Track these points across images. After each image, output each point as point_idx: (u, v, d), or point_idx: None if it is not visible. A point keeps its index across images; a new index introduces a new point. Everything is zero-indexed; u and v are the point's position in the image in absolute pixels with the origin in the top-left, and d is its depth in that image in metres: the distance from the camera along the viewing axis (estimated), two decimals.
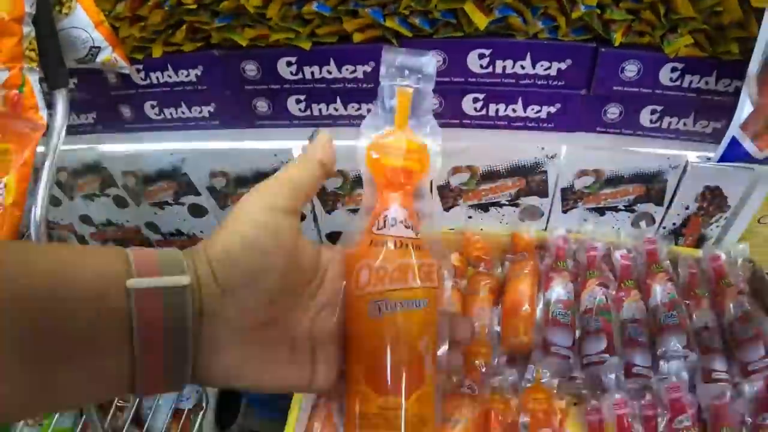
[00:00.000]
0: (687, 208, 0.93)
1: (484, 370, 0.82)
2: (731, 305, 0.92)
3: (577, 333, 0.87)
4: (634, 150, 0.85)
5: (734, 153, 0.74)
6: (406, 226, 0.42)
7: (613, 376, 0.81)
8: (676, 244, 0.99)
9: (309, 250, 0.40)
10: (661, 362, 0.84)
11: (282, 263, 0.35)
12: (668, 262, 0.97)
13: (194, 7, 0.75)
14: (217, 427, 1.09)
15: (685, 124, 0.83)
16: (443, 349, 0.42)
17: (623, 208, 0.94)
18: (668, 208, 0.93)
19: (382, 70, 0.44)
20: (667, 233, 0.97)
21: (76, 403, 0.33)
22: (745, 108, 0.72)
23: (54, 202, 1.07)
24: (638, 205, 0.93)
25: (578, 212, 0.94)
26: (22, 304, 0.26)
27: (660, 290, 0.92)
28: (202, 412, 1.02)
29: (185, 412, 1.03)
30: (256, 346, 0.36)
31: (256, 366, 0.36)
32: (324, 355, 0.40)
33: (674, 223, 0.96)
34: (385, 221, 0.42)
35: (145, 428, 0.98)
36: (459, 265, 0.94)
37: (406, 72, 0.44)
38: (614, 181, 0.90)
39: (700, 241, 1.00)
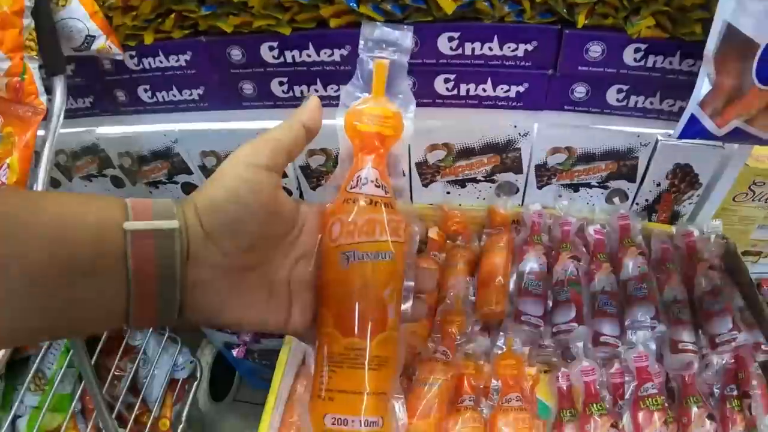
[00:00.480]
0: (659, 185, 0.99)
1: (458, 337, 0.89)
2: (702, 280, 0.99)
3: (549, 304, 0.94)
4: (604, 128, 0.91)
5: (693, 130, 0.80)
6: (377, 186, 0.47)
7: (581, 344, 0.88)
8: (650, 220, 1.05)
9: (288, 205, 0.44)
10: (629, 332, 0.91)
11: (262, 214, 0.40)
12: (641, 237, 1.04)
13: None
14: (211, 398, 1.17)
15: (651, 103, 0.88)
16: (410, 301, 0.49)
17: (596, 184, 1.00)
18: (640, 184, 0.99)
19: (361, 43, 0.49)
20: (640, 209, 1.03)
21: (77, 330, 0.39)
22: (703, 86, 0.78)
23: (54, 183, 1.16)
24: (611, 181, 0.99)
25: (553, 188, 1.00)
26: (33, 242, 0.32)
27: (631, 264, 0.98)
28: (196, 383, 1.10)
29: (180, 382, 1.12)
30: (236, 288, 0.41)
31: (236, 306, 0.41)
32: (299, 300, 0.46)
33: (647, 200, 1.01)
34: (358, 181, 0.47)
35: (141, 396, 1.06)
36: (437, 239, 1.01)
37: (384, 45, 0.49)
38: (586, 158, 0.96)
39: (673, 218, 1.06)
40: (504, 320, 0.90)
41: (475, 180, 1.00)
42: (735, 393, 0.88)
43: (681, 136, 0.80)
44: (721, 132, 0.81)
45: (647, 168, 0.97)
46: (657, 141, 0.93)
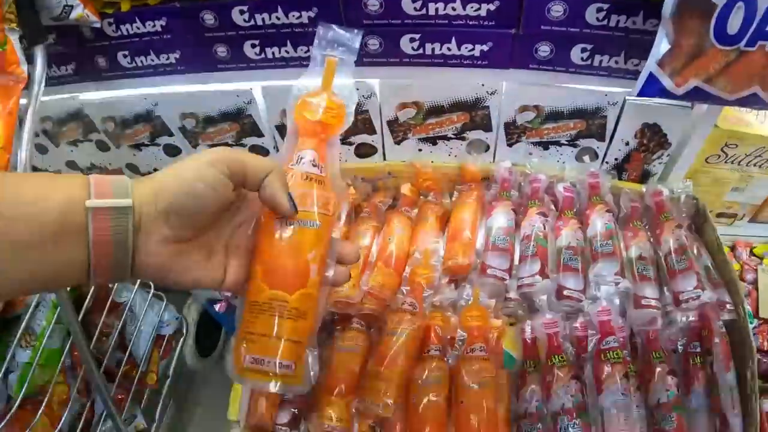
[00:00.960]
0: (627, 144, 1.03)
1: (426, 289, 0.95)
2: (668, 238, 1.03)
3: (516, 258, 0.99)
4: (570, 86, 0.95)
5: (652, 89, 0.83)
6: (313, 165, 0.56)
7: (545, 297, 0.94)
8: (620, 179, 1.10)
9: (236, 194, 0.51)
10: (593, 287, 0.96)
11: (211, 206, 0.48)
12: (611, 195, 1.08)
13: None
14: (198, 354, 1.25)
15: (617, 62, 0.92)
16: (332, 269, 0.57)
17: (566, 142, 1.04)
18: (609, 143, 1.03)
19: (315, 41, 0.58)
20: (610, 168, 1.08)
21: (48, 286, 0.46)
22: (661, 46, 0.81)
23: (41, 150, 1.22)
24: (580, 140, 1.03)
25: (523, 146, 1.05)
26: (16, 222, 0.40)
27: (598, 221, 1.03)
28: (182, 339, 1.17)
29: (166, 338, 1.19)
30: (178, 254, 0.48)
31: (178, 269, 0.49)
32: (235, 261, 0.54)
33: (616, 159, 1.06)
34: (298, 159, 0.56)
35: (128, 352, 1.14)
36: (410, 195, 1.07)
37: (335, 45, 0.58)
38: (555, 116, 1.00)
39: (644, 177, 1.10)
40: (470, 273, 0.96)
41: (445, 138, 1.04)
42: (698, 350, 0.95)
43: (640, 94, 0.84)
44: (680, 91, 0.85)
45: (616, 127, 1.01)
46: (624, 100, 0.97)
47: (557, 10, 0.85)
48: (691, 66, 0.83)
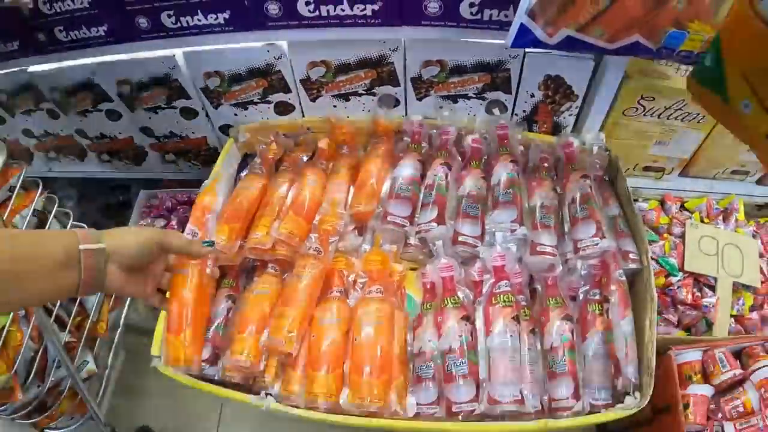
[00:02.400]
0: (533, 96, 1.15)
1: (331, 236, 1.09)
2: (573, 187, 1.15)
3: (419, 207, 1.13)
4: (467, 40, 1.07)
5: (525, 40, 0.94)
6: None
7: (440, 243, 1.07)
8: (531, 130, 1.21)
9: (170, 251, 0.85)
10: (489, 234, 1.09)
11: (153, 258, 0.82)
12: (521, 147, 1.20)
13: None
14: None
15: (506, 16, 1.03)
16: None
17: (474, 96, 1.16)
18: (516, 96, 1.15)
19: None
20: (520, 120, 1.19)
21: (53, 299, 0.93)
22: None
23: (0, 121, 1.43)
24: (487, 93, 1.16)
25: (432, 100, 1.18)
26: (39, 264, 0.68)
27: (502, 170, 1.15)
28: None
29: None
30: (127, 278, 0.78)
31: (129, 288, 0.80)
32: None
33: (524, 111, 1.18)
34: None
35: (77, 302, 1.33)
36: (327, 149, 1.22)
37: None
38: (459, 70, 1.12)
39: (557, 129, 1.21)
40: (371, 220, 1.10)
41: (357, 93, 1.18)
42: (597, 297, 1.08)
43: (513, 45, 0.95)
44: (553, 41, 0.96)
45: (519, 79, 1.13)
46: (525, 53, 1.09)
47: None
48: (563, 16, 0.93)
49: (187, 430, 1.64)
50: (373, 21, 1.05)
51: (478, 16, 1.03)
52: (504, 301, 1.01)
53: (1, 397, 1.22)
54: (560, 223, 1.12)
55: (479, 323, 1.02)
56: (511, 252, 1.06)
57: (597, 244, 1.06)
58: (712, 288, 1.32)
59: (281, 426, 1.58)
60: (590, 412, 0.98)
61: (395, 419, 0.95)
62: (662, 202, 1.45)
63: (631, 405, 0.96)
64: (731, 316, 1.33)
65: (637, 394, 0.97)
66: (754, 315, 1.34)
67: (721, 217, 1.44)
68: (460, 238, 1.07)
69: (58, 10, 1.15)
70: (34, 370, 1.24)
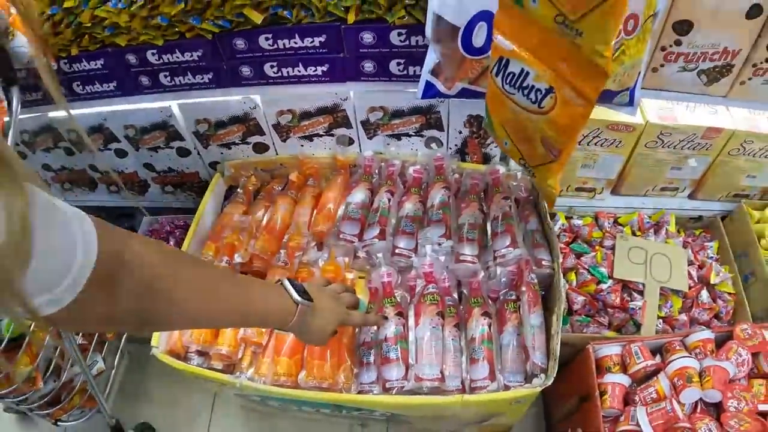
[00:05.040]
0: (461, 132, 1.60)
1: (297, 251, 1.57)
2: (495, 207, 1.60)
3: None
4: (400, 91, 1.54)
5: (431, 92, 1.37)
6: None
7: (381, 255, 1.52)
8: (464, 161, 1.68)
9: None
10: (421, 247, 1.55)
11: None
12: (456, 175, 1.66)
13: (89, 24, 1.52)
14: None
15: None
16: None
17: (414, 134, 1.62)
18: (448, 132, 1.62)
19: None
20: (453, 153, 1.66)
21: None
22: (431, 60, 1.32)
23: (22, 156, 1.94)
24: (424, 131, 1.61)
25: (380, 138, 1.64)
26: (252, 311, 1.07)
27: (436, 195, 1.61)
28: None
29: None
30: None
31: None
32: None
33: (456, 145, 1.63)
34: None
35: None
36: (296, 181, 1.68)
37: None
38: (398, 114, 1.58)
39: (487, 159, 1.67)
40: (328, 238, 1.58)
41: (318, 135, 1.64)
42: (513, 297, 1.50)
43: (422, 97, 1.38)
44: (452, 92, 1.38)
45: (448, 119, 1.59)
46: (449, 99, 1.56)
47: (368, 37, 1.43)
48: (456, 73, 1.34)
49: (181, 424, 2.11)
50: (324, 79, 1.52)
51: (405, 72, 1.48)
52: (430, 300, 1.43)
53: (26, 386, 1.72)
54: (484, 237, 1.58)
55: (411, 318, 1.45)
56: (439, 261, 1.50)
57: (511, 253, 1.51)
58: (642, 293, 1.75)
59: (263, 424, 2.07)
60: (504, 390, 1.36)
61: (343, 394, 1.40)
62: (596, 218, 1.90)
63: (536, 384, 1.31)
64: (660, 317, 1.73)
65: (543, 375, 1.33)
66: (683, 316, 1.73)
67: (652, 230, 1.88)
68: (397, 251, 1.52)
69: (76, 69, 1.64)
70: (52, 366, 1.74)
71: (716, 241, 1.94)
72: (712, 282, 1.82)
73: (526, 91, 1.00)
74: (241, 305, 1.01)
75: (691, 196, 1.92)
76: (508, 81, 1.03)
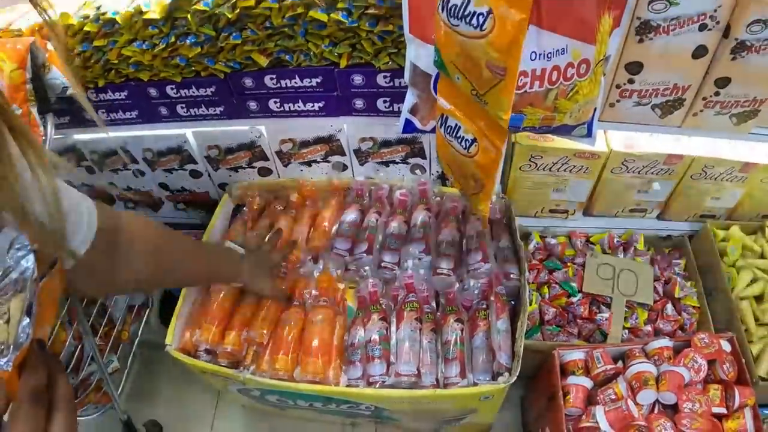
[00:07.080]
0: None
1: (297, 264, 1.99)
2: (471, 227, 2.00)
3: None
4: (391, 124, 1.96)
5: (409, 128, 1.71)
6: None
7: (368, 268, 1.92)
8: (445, 185, 2.09)
9: None
10: (403, 261, 1.96)
11: None
12: (438, 198, 2.07)
13: (116, 61, 1.95)
14: (160, 322, 2.38)
15: None
16: None
17: (400, 161, 2.02)
18: (430, 160, 2.04)
19: None
20: (435, 178, 2.07)
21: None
22: (409, 100, 1.68)
23: None
24: (410, 159, 2.01)
25: (371, 165, 2.04)
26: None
27: (418, 215, 2.00)
28: (148, 309, 2.30)
29: (136, 307, 2.31)
30: None
31: None
32: None
33: (438, 171, 2.04)
34: None
35: (107, 316, 2.26)
36: (296, 201, 2.07)
37: None
38: (386, 144, 1.97)
39: None
40: (323, 252, 2.00)
41: (316, 161, 2.04)
42: (484, 306, 1.85)
43: (403, 132, 1.75)
44: (427, 128, 1.73)
45: (430, 149, 2.01)
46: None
47: (358, 79, 1.81)
48: (431, 112, 1.70)
49: (188, 421, 2.53)
50: (320, 114, 1.91)
51: (390, 108, 1.83)
52: (410, 308, 1.77)
53: None
54: (460, 253, 1.99)
55: (393, 323, 1.80)
56: (419, 274, 1.87)
57: (482, 267, 1.89)
58: (609, 306, 2.13)
59: (262, 424, 2.49)
60: (473, 386, 1.71)
61: (333, 387, 1.75)
62: (569, 238, 2.31)
63: (501, 382, 1.66)
64: (626, 328, 2.08)
65: (507, 374, 1.66)
66: (648, 327, 2.09)
67: (621, 248, 2.28)
68: (383, 264, 1.88)
69: (102, 99, 2.03)
70: (71, 363, 2.16)
71: (684, 258, 2.30)
72: (676, 296, 2.16)
73: (459, 140, 1.37)
74: (211, 264, 1.64)
75: (659, 217, 2.29)
76: (447, 132, 1.41)
